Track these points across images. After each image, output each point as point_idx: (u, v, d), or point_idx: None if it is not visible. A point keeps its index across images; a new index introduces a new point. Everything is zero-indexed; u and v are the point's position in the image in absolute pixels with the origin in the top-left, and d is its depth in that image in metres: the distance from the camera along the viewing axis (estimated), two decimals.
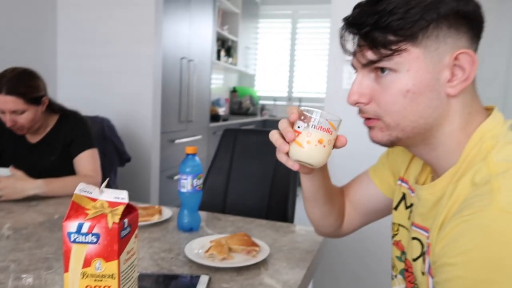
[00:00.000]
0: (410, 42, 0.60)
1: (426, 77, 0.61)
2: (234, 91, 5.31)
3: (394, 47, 0.60)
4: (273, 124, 5.12)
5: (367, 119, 0.68)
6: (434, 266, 0.57)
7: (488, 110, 0.68)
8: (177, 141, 2.95)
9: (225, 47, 4.71)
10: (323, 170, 0.85)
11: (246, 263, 0.92)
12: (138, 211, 1.24)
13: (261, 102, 5.63)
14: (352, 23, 0.64)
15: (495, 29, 2.40)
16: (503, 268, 0.49)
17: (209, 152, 3.53)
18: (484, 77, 1.52)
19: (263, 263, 0.95)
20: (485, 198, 0.53)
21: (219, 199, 1.69)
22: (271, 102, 5.61)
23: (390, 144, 0.67)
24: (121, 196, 0.56)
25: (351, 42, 0.66)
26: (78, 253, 0.54)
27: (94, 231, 0.53)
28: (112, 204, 0.55)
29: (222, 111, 4.36)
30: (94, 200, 0.55)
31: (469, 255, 0.51)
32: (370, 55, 0.63)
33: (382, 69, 0.63)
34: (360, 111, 0.68)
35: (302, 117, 0.69)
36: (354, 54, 0.67)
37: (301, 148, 0.68)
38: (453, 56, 0.61)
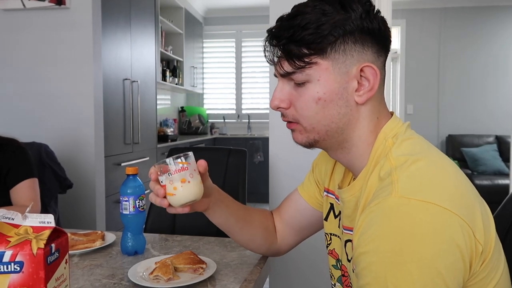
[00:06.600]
0: (320, 56, 0.65)
1: (335, 86, 0.66)
2: (182, 110, 5.26)
3: (306, 60, 0.65)
4: (224, 141, 5.12)
5: (289, 122, 0.73)
6: (354, 258, 0.60)
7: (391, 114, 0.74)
8: (123, 164, 2.86)
9: (170, 67, 4.67)
10: (221, 200, 0.89)
11: (193, 282, 0.90)
12: (76, 237, 1.18)
13: (211, 120, 5.62)
14: (273, 35, 0.68)
15: None
16: (407, 248, 0.53)
17: None
18: None
19: (210, 280, 0.93)
20: (387, 189, 0.58)
21: (168, 220, 1.65)
22: (221, 120, 5.61)
23: (309, 145, 0.72)
24: (47, 220, 0.53)
25: (271, 53, 0.71)
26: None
27: (17, 259, 0.50)
28: (37, 229, 0.53)
29: (170, 131, 4.30)
30: (16, 226, 0.52)
31: (377, 241, 0.55)
32: (286, 66, 0.68)
33: None
34: (282, 115, 0.73)
35: (159, 173, 0.77)
36: (275, 64, 0.71)
37: (174, 196, 0.77)
38: (359, 68, 0.67)
